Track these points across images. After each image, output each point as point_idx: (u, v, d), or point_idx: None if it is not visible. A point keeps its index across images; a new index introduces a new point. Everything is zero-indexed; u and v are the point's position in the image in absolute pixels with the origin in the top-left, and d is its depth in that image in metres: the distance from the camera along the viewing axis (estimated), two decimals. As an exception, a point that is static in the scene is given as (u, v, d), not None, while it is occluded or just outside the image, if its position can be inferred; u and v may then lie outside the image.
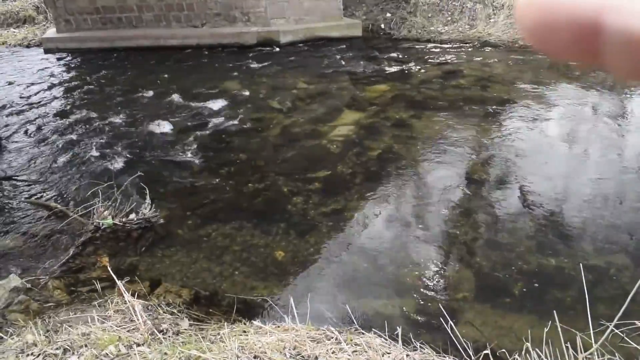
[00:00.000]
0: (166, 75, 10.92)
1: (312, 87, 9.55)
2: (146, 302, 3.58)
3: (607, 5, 0.27)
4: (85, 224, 4.80)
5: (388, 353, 2.89)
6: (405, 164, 5.99)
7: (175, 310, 3.59)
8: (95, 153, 6.80)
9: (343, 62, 11.40)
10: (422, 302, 3.69)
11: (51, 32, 15.53)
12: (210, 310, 3.73)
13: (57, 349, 2.90)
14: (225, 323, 3.39)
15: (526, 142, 6.42)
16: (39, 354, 2.86)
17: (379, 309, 3.65)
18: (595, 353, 2.53)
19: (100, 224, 4.73)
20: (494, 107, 7.77)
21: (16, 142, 7.52)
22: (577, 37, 0.28)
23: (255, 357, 2.74)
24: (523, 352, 2.71)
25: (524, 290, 3.75)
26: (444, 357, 2.95)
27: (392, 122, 7.41)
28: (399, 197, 5.24)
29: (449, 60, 11.11)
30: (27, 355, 2.87)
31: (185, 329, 3.30)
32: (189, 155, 6.59)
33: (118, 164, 6.41)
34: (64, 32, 14.83)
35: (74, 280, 4.12)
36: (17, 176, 6.26)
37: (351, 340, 3.00)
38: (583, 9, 0.27)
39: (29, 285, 3.88)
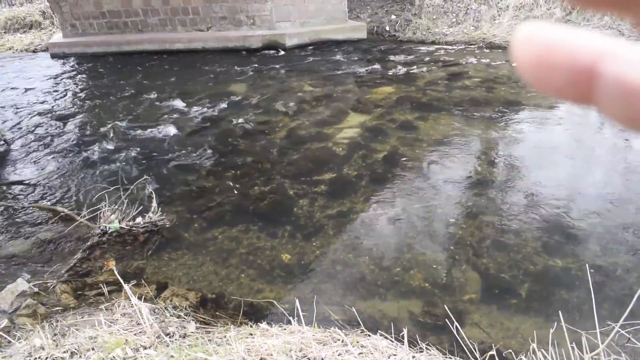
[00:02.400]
0: (172, 79, 10.96)
1: (318, 89, 9.56)
2: (153, 306, 3.59)
3: (605, 52, 0.27)
4: (92, 227, 4.82)
5: (394, 355, 2.89)
6: (411, 165, 5.99)
7: (181, 314, 3.60)
8: (101, 157, 6.83)
9: (348, 65, 11.41)
10: (428, 304, 3.69)
11: (57, 37, 15.63)
12: (217, 313, 3.74)
13: (64, 352, 2.91)
14: (232, 326, 3.39)
15: (532, 143, 6.41)
16: (47, 358, 2.87)
17: (385, 311, 3.64)
18: (602, 353, 2.52)
19: (107, 227, 4.75)
20: (499, 108, 7.76)
21: (23, 146, 7.57)
22: (573, 80, 0.28)
23: (261, 359, 2.75)
24: (529, 353, 2.71)
25: (530, 291, 3.74)
26: (450, 358, 2.95)
27: (398, 124, 7.41)
28: (404, 199, 5.24)
29: (454, 62, 11.10)
30: (35, 358, 2.88)
31: (192, 332, 3.31)
32: (195, 158, 6.62)
33: (124, 167, 6.44)
34: (70, 37, 14.92)
35: (81, 284, 4.14)
36: (24, 180, 6.29)
37: (357, 342, 3.00)
38: (581, 53, 0.28)
39: (36, 289, 3.91)
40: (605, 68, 0.27)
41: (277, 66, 11.60)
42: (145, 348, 2.95)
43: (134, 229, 4.78)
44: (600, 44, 0.28)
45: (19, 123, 8.64)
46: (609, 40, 0.28)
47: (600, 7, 0.29)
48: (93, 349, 2.93)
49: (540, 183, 5.31)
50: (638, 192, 5.04)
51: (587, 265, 3.54)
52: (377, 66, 11.06)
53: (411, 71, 10.49)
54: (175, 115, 8.45)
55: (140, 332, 3.15)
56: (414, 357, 2.87)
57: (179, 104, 9.06)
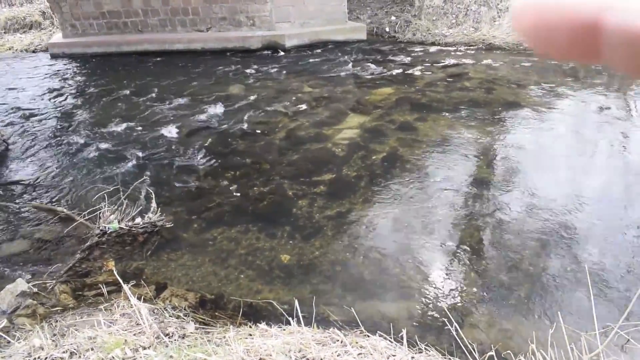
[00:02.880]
0: (172, 80, 10.97)
1: (317, 90, 9.56)
2: (152, 306, 3.59)
3: (605, 5, 0.27)
4: (91, 228, 4.82)
5: (393, 355, 2.89)
6: (411, 166, 5.99)
7: (181, 314, 3.60)
8: (101, 157, 6.83)
9: (348, 66, 11.41)
10: (427, 305, 3.69)
11: (57, 37, 15.63)
12: (216, 313, 3.74)
13: (63, 352, 2.91)
14: (231, 326, 3.39)
15: (532, 144, 6.41)
16: (46, 358, 2.87)
17: (384, 312, 3.65)
18: (601, 354, 2.52)
19: (107, 228, 4.75)
20: (499, 109, 7.76)
21: (22, 146, 7.56)
22: (577, 37, 0.28)
23: (260, 359, 2.75)
24: (529, 354, 2.71)
25: (529, 292, 3.74)
26: (450, 359, 2.95)
27: (397, 125, 7.41)
28: (404, 200, 5.24)
29: (454, 63, 11.10)
30: (34, 359, 2.88)
31: (191, 333, 3.31)
32: (195, 159, 6.62)
33: (124, 168, 6.44)
34: (70, 37, 14.92)
35: (80, 285, 4.14)
36: (23, 180, 6.29)
37: (356, 342, 3.00)
38: (582, 10, 0.28)
39: (35, 290, 3.91)
40: (608, 20, 0.27)
41: (277, 67, 11.60)
42: (144, 348, 2.95)
43: (134, 229, 4.78)
44: (596, 1, 0.28)
45: (18, 123, 8.64)
46: None
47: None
48: (92, 349, 2.93)
49: (540, 184, 5.31)
50: (637, 192, 5.05)
51: (586, 266, 3.55)
52: (376, 67, 11.06)
53: (411, 72, 10.49)
54: (174, 116, 8.44)
55: (139, 333, 3.15)
56: (413, 357, 2.88)
57: (178, 104, 9.06)
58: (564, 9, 0.28)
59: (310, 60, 12.25)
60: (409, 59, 11.77)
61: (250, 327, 3.38)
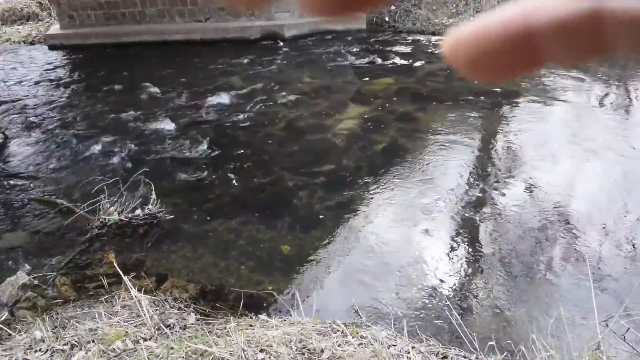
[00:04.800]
0: (170, 71, 10.92)
1: (317, 81, 9.53)
2: (153, 298, 3.59)
3: (527, 8, 0.28)
4: (91, 220, 4.82)
5: (394, 345, 2.90)
6: (411, 157, 5.98)
7: (181, 305, 3.61)
8: (100, 149, 6.82)
9: (347, 56, 11.37)
10: (427, 295, 3.69)
11: (55, 28, 15.55)
12: (217, 304, 3.74)
13: (64, 344, 2.92)
14: (232, 317, 3.40)
15: (532, 135, 6.40)
16: (47, 350, 2.88)
17: (384, 302, 3.65)
18: (601, 344, 2.53)
19: (107, 220, 4.75)
20: (499, 99, 7.74)
21: (21, 138, 7.55)
22: (515, 50, 0.28)
23: (261, 350, 2.76)
24: (529, 343, 2.71)
25: (530, 282, 3.75)
26: (450, 349, 2.96)
27: (397, 115, 7.39)
28: (404, 191, 5.24)
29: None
30: (35, 351, 2.89)
31: (192, 324, 3.32)
32: (195, 150, 6.60)
33: (123, 160, 6.43)
34: (67, 28, 14.84)
35: (81, 277, 4.15)
36: (23, 173, 6.28)
37: (357, 333, 3.01)
38: (508, 22, 0.28)
39: (36, 282, 3.91)
40: (539, 18, 0.27)
41: (276, 57, 11.55)
42: (145, 340, 2.96)
43: (134, 221, 4.78)
44: (515, 9, 0.28)
45: (16, 115, 8.61)
46: (519, 2, 0.29)
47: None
48: (93, 341, 2.94)
49: (540, 175, 5.30)
50: (638, 183, 5.04)
51: (586, 256, 3.55)
52: (376, 57, 11.02)
53: (411, 62, 10.45)
54: (173, 107, 8.42)
55: (140, 324, 3.16)
56: (413, 347, 2.88)
57: (177, 95, 9.03)
58: (492, 29, 0.28)
59: (310, 50, 12.20)
60: (409, 48, 11.72)
61: (250, 318, 3.39)
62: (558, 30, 0.27)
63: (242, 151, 6.50)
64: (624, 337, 2.91)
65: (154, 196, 4.94)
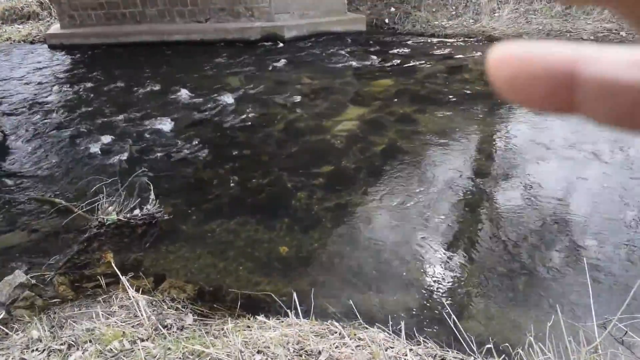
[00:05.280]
0: (170, 71, 10.93)
1: (316, 82, 9.53)
2: (150, 298, 3.59)
3: (582, 57, 0.27)
4: (89, 220, 4.82)
5: (391, 347, 2.90)
6: (410, 159, 5.98)
7: (179, 306, 3.60)
8: (99, 149, 6.82)
9: (347, 57, 11.37)
10: (425, 297, 3.69)
11: (55, 28, 15.56)
12: (215, 305, 3.74)
13: (61, 344, 2.91)
14: (229, 318, 3.40)
15: (531, 136, 6.40)
16: (44, 350, 2.88)
17: (382, 304, 3.65)
18: (599, 347, 2.53)
19: (105, 220, 4.74)
20: (498, 101, 7.74)
21: (20, 138, 7.55)
22: (552, 89, 0.28)
23: (258, 352, 2.76)
24: (526, 346, 2.71)
25: (528, 284, 3.75)
26: (448, 351, 2.95)
27: (397, 117, 7.39)
28: (403, 192, 5.24)
29: (454, 55, 11.07)
30: (32, 350, 2.88)
31: (190, 324, 3.32)
32: (193, 151, 6.60)
33: (122, 160, 6.42)
34: (68, 28, 14.85)
35: (78, 276, 4.14)
36: (21, 172, 6.28)
37: (355, 334, 3.01)
38: (557, 62, 0.27)
39: (34, 282, 3.91)
40: (584, 70, 0.27)
41: (276, 58, 11.55)
42: (142, 340, 2.96)
43: (132, 221, 4.78)
44: (574, 51, 0.28)
45: (16, 114, 8.61)
46: (582, 46, 0.28)
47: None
48: (90, 341, 2.93)
49: (539, 176, 5.30)
50: (637, 185, 5.04)
51: (584, 258, 3.55)
52: (376, 59, 11.03)
53: (410, 64, 10.46)
54: (173, 107, 8.42)
55: (137, 325, 3.16)
56: (411, 349, 2.88)
57: (176, 96, 9.03)
58: (539, 61, 0.28)
59: (310, 51, 12.20)
60: (409, 50, 11.73)
61: (248, 319, 3.38)
62: (604, 90, 0.26)
63: (241, 152, 6.50)
64: (622, 340, 2.91)
65: (152, 196, 4.94)
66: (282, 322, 3.22)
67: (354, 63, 10.87)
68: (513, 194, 5.05)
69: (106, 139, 7.16)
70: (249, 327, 3.16)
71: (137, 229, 4.76)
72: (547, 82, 0.28)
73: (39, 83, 10.77)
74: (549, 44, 0.29)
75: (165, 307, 3.54)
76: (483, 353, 2.83)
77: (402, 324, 3.04)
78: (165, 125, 7.56)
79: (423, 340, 3.00)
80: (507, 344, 2.97)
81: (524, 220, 4.60)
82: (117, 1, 14.34)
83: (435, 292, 3.73)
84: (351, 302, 3.46)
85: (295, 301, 3.17)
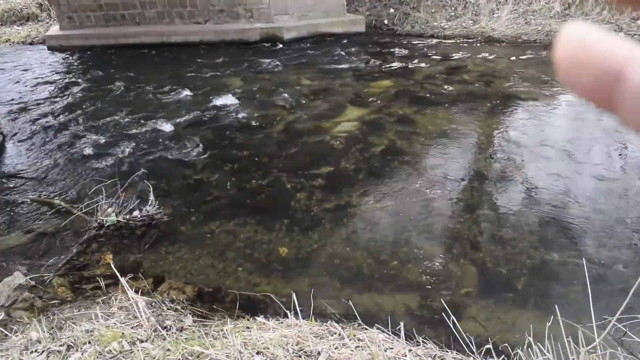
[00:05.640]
0: (169, 72, 10.93)
1: (316, 83, 9.54)
2: (150, 299, 3.59)
3: (633, 59, 0.27)
4: (89, 221, 4.82)
5: (391, 348, 2.89)
6: (409, 159, 5.98)
7: (178, 307, 3.60)
8: (98, 150, 6.82)
9: (346, 58, 11.38)
10: (425, 298, 3.69)
11: (54, 29, 15.58)
12: (214, 306, 3.73)
13: (60, 345, 2.91)
14: (229, 319, 3.39)
15: (530, 137, 6.41)
16: (43, 351, 2.87)
17: (382, 305, 3.65)
18: (598, 347, 2.53)
19: (104, 221, 4.74)
20: (497, 102, 7.75)
21: (19, 139, 7.55)
22: (597, 82, 0.28)
23: (258, 352, 2.75)
24: (525, 347, 2.71)
25: (527, 285, 3.75)
26: (447, 352, 2.95)
27: (396, 118, 7.40)
28: (402, 193, 5.24)
29: (453, 56, 11.07)
30: (31, 352, 2.88)
31: (189, 326, 3.31)
32: (193, 152, 6.60)
33: (121, 161, 6.42)
34: (67, 29, 14.87)
35: (78, 278, 4.14)
36: (20, 173, 6.27)
37: (354, 335, 3.00)
38: (610, 57, 0.27)
39: (33, 283, 3.90)
40: (630, 74, 0.27)
41: (275, 60, 11.56)
42: (141, 341, 2.95)
43: (131, 222, 4.78)
44: (630, 51, 0.27)
45: (15, 115, 8.61)
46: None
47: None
48: (89, 342, 2.93)
49: (538, 177, 5.31)
50: (636, 185, 5.05)
51: (583, 259, 3.54)
52: (375, 60, 11.04)
53: (409, 65, 10.47)
54: (172, 109, 8.42)
55: (137, 326, 3.15)
56: (410, 350, 2.88)
57: (176, 97, 9.03)
58: (594, 51, 0.28)
59: (309, 52, 12.22)
60: (408, 51, 11.74)
61: (247, 320, 3.38)
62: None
63: (240, 153, 6.50)
64: (621, 340, 2.91)
65: (152, 197, 4.94)
66: (282, 323, 3.21)
67: (353, 64, 10.88)
68: (512, 194, 5.05)
69: (105, 140, 7.16)
70: (248, 328, 3.16)
71: (136, 230, 4.75)
72: (593, 74, 0.28)
73: (38, 84, 10.78)
74: (611, 36, 0.28)
75: (165, 308, 3.53)
76: (482, 353, 2.83)
77: (402, 324, 3.04)
78: (165, 126, 7.56)
79: (422, 341, 3.00)
80: (506, 345, 2.97)
81: (523, 220, 4.60)
82: (116, 3, 14.36)
83: (434, 293, 3.73)
84: (350, 303, 3.46)
85: (294, 302, 3.16)
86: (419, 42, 12.76)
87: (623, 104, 0.27)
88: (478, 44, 12.08)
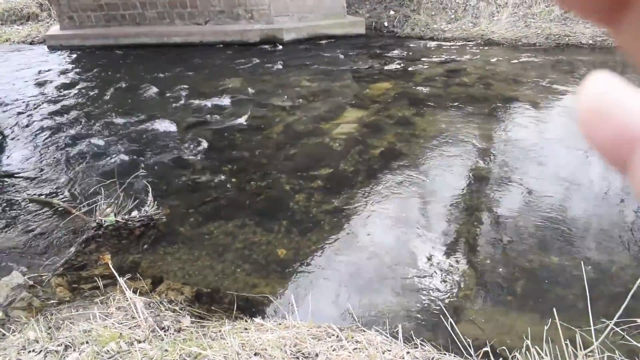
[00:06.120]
0: (169, 73, 10.93)
1: (315, 84, 9.55)
2: (148, 300, 3.58)
3: None
4: (87, 221, 4.81)
5: (389, 350, 2.89)
6: (408, 162, 5.98)
7: (177, 308, 3.60)
8: (97, 150, 6.81)
9: (346, 60, 11.39)
10: (423, 300, 3.69)
11: (55, 29, 15.57)
12: (212, 307, 3.73)
13: (58, 345, 2.91)
14: (227, 320, 3.39)
15: (529, 140, 6.41)
16: (41, 351, 2.87)
17: (380, 307, 3.65)
18: (596, 350, 2.53)
19: (103, 221, 4.74)
20: (497, 105, 7.75)
21: (19, 139, 7.54)
22: (617, 142, 0.26)
23: (255, 354, 2.75)
24: (523, 350, 2.71)
25: (525, 288, 3.75)
26: (445, 354, 2.95)
27: (395, 120, 7.40)
28: (401, 195, 5.24)
29: (452, 58, 11.09)
30: (29, 351, 2.88)
31: (187, 326, 3.31)
32: (192, 153, 6.60)
33: (121, 161, 6.42)
34: (67, 29, 14.86)
35: (76, 278, 4.13)
36: (19, 173, 6.27)
37: (352, 337, 3.00)
38: (633, 120, 0.26)
39: (31, 283, 3.90)
40: None
41: (275, 61, 11.57)
42: (139, 342, 2.95)
43: (130, 222, 4.77)
44: None
45: (14, 115, 8.60)
46: None
47: (585, 14, 0.28)
48: (87, 342, 2.93)
49: (537, 180, 5.31)
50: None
51: (582, 262, 3.55)
52: (375, 62, 11.04)
53: (409, 67, 10.48)
54: (171, 109, 8.42)
55: (134, 326, 3.15)
56: (408, 352, 2.88)
57: (175, 98, 9.03)
58: (616, 108, 0.26)
59: (309, 54, 12.22)
60: (408, 53, 11.75)
61: (246, 321, 3.38)
62: None
63: (239, 154, 6.50)
64: (619, 344, 2.91)
65: (151, 198, 4.94)
66: (280, 324, 3.21)
67: (352, 66, 10.89)
68: (511, 196, 5.06)
69: (105, 140, 7.16)
70: (246, 329, 3.15)
71: (135, 230, 4.75)
72: (613, 133, 0.26)
73: (38, 84, 10.77)
74: (636, 93, 0.27)
75: (163, 308, 3.53)
76: (480, 356, 2.83)
77: (400, 326, 3.04)
78: (165, 126, 7.56)
79: (420, 343, 3.00)
80: (504, 347, 2.97)
81: (521, 223, 4.60)
82: (116, 3, 14.36)
83: (432, 295, 3.73)
84: (349, 305, 3.46)
85: (292, 303, 3.17)
86: (419, 44, 12.77)
87: (635, 171, 0.26)
88: (478, 47, 12.09)
